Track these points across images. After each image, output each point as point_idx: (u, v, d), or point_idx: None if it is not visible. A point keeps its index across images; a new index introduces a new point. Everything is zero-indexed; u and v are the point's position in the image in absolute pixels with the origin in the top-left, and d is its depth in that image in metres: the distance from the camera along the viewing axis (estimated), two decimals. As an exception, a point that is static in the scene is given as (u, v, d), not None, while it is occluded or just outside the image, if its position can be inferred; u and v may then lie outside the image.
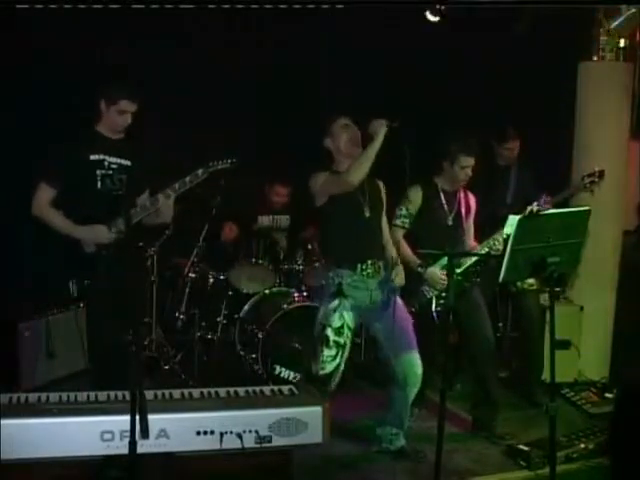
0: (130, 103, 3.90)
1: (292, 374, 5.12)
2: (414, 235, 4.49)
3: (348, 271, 4.08)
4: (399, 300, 4.17)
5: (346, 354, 4.14)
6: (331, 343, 4.06)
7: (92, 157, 3.91)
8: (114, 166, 3.95)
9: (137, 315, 3.46)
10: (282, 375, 5.16)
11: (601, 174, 5.03)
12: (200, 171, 3.95)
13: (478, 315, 4.55)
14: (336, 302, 4.05)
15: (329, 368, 4.08)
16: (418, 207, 4.49)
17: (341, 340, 4.07)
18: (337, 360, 4.09)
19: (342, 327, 4.06)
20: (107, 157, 3.94)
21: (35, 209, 3.92)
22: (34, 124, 5.13)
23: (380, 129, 3.96)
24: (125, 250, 3.70)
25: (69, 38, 5.16)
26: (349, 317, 4.07)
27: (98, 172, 3.91)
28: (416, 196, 4.50)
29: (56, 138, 4.03)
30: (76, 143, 3.95)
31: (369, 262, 4.09)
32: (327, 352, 4.07)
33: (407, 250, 4.47)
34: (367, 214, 4.11)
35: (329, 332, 4.05)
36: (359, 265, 4.08)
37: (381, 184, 4.29)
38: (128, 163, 4.00)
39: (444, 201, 4.53)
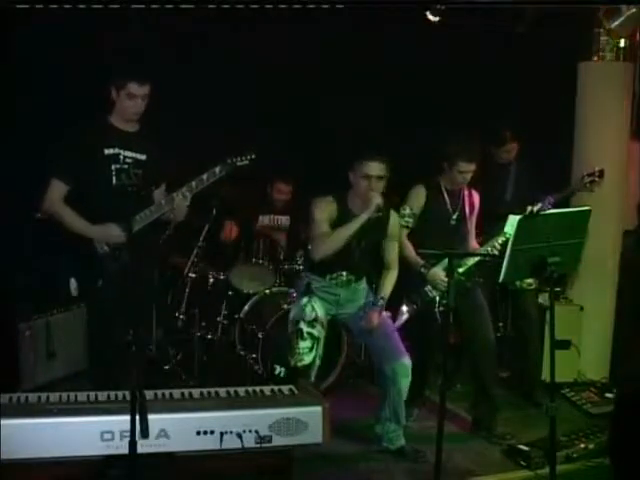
0: (138, 86, 3.77)
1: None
2: (417, 235, 4.48)
3: (318, 277, 4.27)
4: (384, 314, 4.29)
5: (321, 349, 4.27)
6: (305, 335, 4.20)
7: (107, 151, 3.79)
8: (129, 160, 3.83)
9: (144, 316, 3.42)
10: (282, 375, 5.16)
11: (601, 173, 5.05)
12: (218, 169, 3.84)
13: (480, 315, 4.55)
14: (306, 298, 4.23)
15: (307, 360, 4.22)
16: (421, 207, 4.49)
17: (315, 332, 4.21)
18: (314, 352, 4.23)
19: (315, 320, 4.21)
20: (122, 151, 3.82)
21: (47, 206, 3.82)
22: (38, 121, 5.13)
23: (369, 208, 4.01)
24: (137, 250, 3.61)
25: (81, 31, 5.17)
26: (321, 312, 4.22)
27: (113, 167, 3.79)
28: (420, 196, 4.49)
29: (66, 133, 3.93)
30: (89, 137, 3.82)
31: (339, 273, 4.26)
32: (302, 344, 4.21)
33: (411, 251, 4.47)
34: (356, 252, 4.19)
35: (302, 325, 4.20)
36: (328, 275, 4.26)
37: (394, 218, 4.31)
38: (143, 157, 3.88)
39: (447, 200, 4.51)
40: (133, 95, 3.79)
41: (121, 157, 3.83)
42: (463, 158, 4.35)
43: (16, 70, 5.09)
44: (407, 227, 4.48)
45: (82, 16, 4.87)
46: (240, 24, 5.49)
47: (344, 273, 4.25)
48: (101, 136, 3.84)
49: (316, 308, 4.21)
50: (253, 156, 3.90)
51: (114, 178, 3.81)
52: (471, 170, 4.40)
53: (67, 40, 5.20)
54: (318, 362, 4.28)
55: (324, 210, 4.14)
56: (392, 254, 4.36)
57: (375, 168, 4.06)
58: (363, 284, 4.38)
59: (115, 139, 3.84)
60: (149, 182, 3.86)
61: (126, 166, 3.82)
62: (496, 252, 4.32)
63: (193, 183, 3.84)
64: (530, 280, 5.05)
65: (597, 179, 5.06)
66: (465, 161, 4.36)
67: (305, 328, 4.19)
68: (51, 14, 4.77)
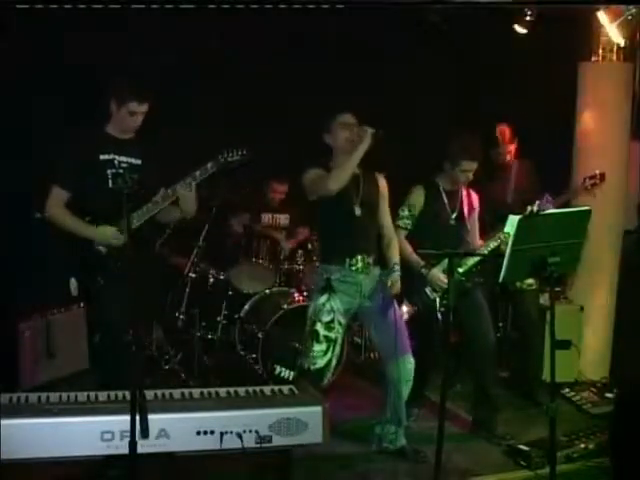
0: (139, 104, 3.89)
1: (292, 374, 5.11)
2: (417, 236, 4.48)
3: (336, 266, 4.10)
4: (396, 305, 4.19)
5: (337, 349, 4.17)
6: (321, 338, 4.08)
7: (102, 157, 3.91)
8: (124, 165, 3.94)
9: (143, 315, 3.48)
10: (282, 375, 5.16)
11: (602, 177, 5.05)
12: (210, 164, 3.93)
13: (480, 315, 4.54)
14: (325, 297, 4.07)
15: (320, 363, 4.10)
16: (420, 208, 4.49)
17: (331, 335, 4.09)
18: (328, 355, 4.11)
19: (332, 322, 4.07)
20: (117, 156, 3.94)
21: (49, 212, 3.93)
22: (37, 124, 5.16)
23: (365, 137, 3.98)
24: (136, 249, 3.65)
25: (79, 38, 5.19)
26: (339, 312, 4.09)
27: (109, 172, 3.90)
28: (418, 197, 4.49)
29: (65, 141, 4.04)
30: (86, 145, 3.95)
31: (358, 257, 4.10)
32: (317, 347, 4.09)
33: (410, 251, 4.46)
34: (357, 211, 4.10)
35: (319, 327, 4.07)
36: (347, 260, 4.09)
37: (382, 179, 4.26)
38: (139, 162, 3.99)
39: (446, 201, 4.52)
40: (134, 112, 3.91)
41: (116, 162, 3.94)
42: (466, 157, 4.37)
43: (17, 77, 5.12)
44: (405, 229, 4.48)
45: (83, 19, 4.89)
46: (236, 24, 5.49)
47: (364, 255, 4.11)
48: (97, 143, 3.95)
49: (334, 308, 4.06)
50: (244, 152, 3.96)
51: (110, 182, 3.90)
52: (473, 169, 4.42)
53: (66, 48, 5.22)
54: (334, 362, 4.19)
55: (313, 177, 4.10)
56: (388, 218, 4.30)
57: (351, 117, 4.10)
58: (378, 269, 4.21)
59: (110, 146, 3.95)
60: (145, 186, 3.90)
61: (122, 171, 3.91)
62: (501, 247, 4.30)
63: (187, 179, 3.93)
64: (531, 280, 5.05)
65: (598, 182, 5.07)
66: (468, 159, 4.38)
67: (322, 331, 4.06)
68: (51, 17, 4.78)
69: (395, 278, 4.16)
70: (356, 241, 4.12)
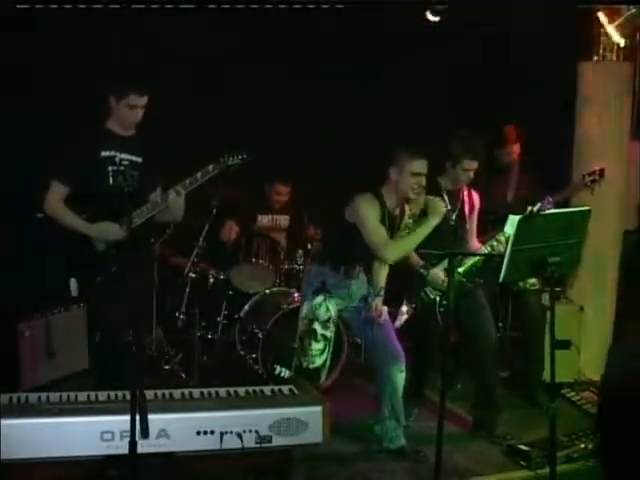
0: (138, 97, 3.89)
1: (290, 373, 5.11)
2: None
3: (331, 271, 4.20)
4: (385, 314, 4.26)
5: (331, 348, 4.25)
6: (319, 337, 4.17)
7: (103, 154, 3.91)
8: (125, 162, 3.95)
9: (141, 315, 3.50)
10: (282, 375, 5.16)
11: (601, 172, 5.05)
12: (211, 167, 3.95)
13: (481, 315, 4.55)
14: (321, 297, 4.15)
15: (318, 362, 4.20)
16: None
17: (328, 333, 4.19)
18: (325, 354, 4.21)
19: (328, 321, 4.17)
20: (118, 153, 3.94)
21: (47, 207, 3.93)
22: (37, 124, 5.16)
23: (437, 213, 4.05)
24: (133, 248, 3.67)
25: (79, 35, 5.20)
26: (334, 312, 4.18)
27: (109, 168, 3.91)
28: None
29: (65, 136, 4.07)
30: (87, 141, 3.95)
31: (353, 265, 4.23)
32: (316, 346, 4.17)
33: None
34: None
35: (316, 326, 4.16)
36: (342, 268, 4.20)
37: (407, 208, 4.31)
38: (139, 160, 4.00)
39: (447, 200, 4.51)
40: (134, 106, 3.90)
41: (117, 159, 3.94)
42: (468, 156, 4.38)
43: (17, 74, 5.12)
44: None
45: (80, 18, 4.90)
46: (237, 23, 5.49)
47: (356, 263, 4.22)
48: (98, 139, 3.95)
49: (330, 308, 4.15)
50: (245, 155, 4.02)
51: (111, 179, 3.91)
52: (474, 168, 4.42)
53: (66, 45, 5.23)
54: (329, 362, 4.28)
55: (372, 208, 4.07)
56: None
57: (423, 165, 4.08)
58: (364, 274, 4.34)
59: (112, 142, 3.95)
60: (145, 183, 3.96)
61: (122, 168, 3.93)
62: (501, 248, 4.31)
63: (187, 181, 3.95)
64: (533, 280, 5.05)
65: (597, 178, 5.07)
66: (470, 159, 4.38)
67: (319, 330, 4.15)
68: (51, 16, 4.80)
69: (378, 302, 4.26)
70: (357, 250, 4.17)
